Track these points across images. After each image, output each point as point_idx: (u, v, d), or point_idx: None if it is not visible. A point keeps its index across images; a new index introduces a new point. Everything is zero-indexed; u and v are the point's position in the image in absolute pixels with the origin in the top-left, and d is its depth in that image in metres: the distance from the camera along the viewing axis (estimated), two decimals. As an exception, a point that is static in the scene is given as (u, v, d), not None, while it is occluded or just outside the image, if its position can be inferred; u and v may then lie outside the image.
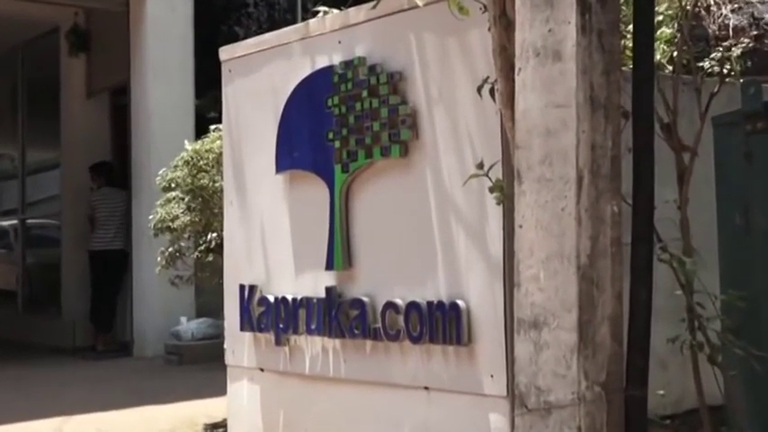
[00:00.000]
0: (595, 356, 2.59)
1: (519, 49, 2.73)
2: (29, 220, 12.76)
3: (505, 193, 3.07)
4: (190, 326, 8.75)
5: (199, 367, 7.81)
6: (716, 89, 3.30)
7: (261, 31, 7.85)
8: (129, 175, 9.68)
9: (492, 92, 3.17)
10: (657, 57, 3.51)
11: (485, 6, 3.12)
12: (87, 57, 10.73)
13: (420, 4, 3.48)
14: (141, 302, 9.30)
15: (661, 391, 3.17)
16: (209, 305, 8.11)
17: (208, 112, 8.24)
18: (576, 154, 2.58)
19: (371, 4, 3.89)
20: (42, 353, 10.09)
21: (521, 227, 2.71)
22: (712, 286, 3.31)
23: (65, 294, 11.12)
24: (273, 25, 8.06)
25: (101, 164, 10.38)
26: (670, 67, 3.58)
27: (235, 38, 4.71)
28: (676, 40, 3.52)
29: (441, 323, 3.64)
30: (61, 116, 11.25)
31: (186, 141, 5.86)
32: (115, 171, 10.36)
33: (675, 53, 3.40)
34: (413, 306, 3.74)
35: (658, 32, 3.52)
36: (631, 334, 2.70)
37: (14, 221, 13.07)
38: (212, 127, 5.51)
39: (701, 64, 3.53)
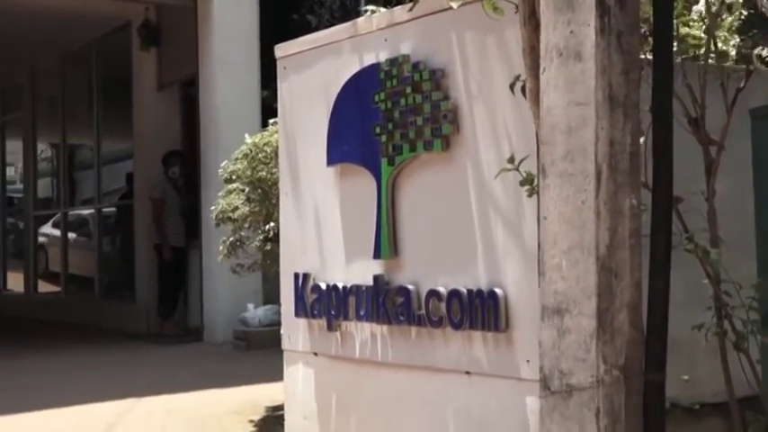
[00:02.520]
0: (614, 341, 2.71)
1: (543, 49, 2.85)
2: (104, 210, 13.09)
3: (536, 186, 3.19)
4: (257, 312, 8.96)
5: (265, 352, 7.96)
6: (742, 84, 3.35)
7: (328, 24, 8.00)
8: (197, 165, 9.91)
9: (524, 89, 3.29)
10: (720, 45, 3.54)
11: (517, 7, 3.24)
12: (158, 51, 10.95)
13: (454, 6, 3.59)
14: (210, 290, 9.53)
15: (685, 376, 3.24)
16: (276, 292, 8.27)
17: (274, 104, 8.38)
18: (594, 150, 2.69)
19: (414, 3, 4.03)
20: (117, 337, 10.43)
21: (545, 219, 2.83)
22: (751, 276, 3.39)
23: (138, 281, 11.43)
24: (339, 19, 8.20)
25: (173, 153, 10.68)
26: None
27: (301, 31, 4.81)
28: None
29: (480, 310, 3.74)
30: (133, 108, 11.53)
31: (247, 135, 6.03)
32: (186, 161, 10.64)
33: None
34: (454, 294, 3.85)
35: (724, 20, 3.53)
36: (650, 321, 2.80)
37: (92, 210, 13.48)
38: (271, 121, 5.67)
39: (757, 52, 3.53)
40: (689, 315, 3.26)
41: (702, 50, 3.41)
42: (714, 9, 3.36)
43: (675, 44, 3.39)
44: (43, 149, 15.69)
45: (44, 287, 14.83)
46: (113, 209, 13.02)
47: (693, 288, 3.30)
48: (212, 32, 9.60)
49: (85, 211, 13.88)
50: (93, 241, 13.27)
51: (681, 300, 3.33)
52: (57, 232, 14.37)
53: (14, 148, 16.34)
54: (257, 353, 8.29)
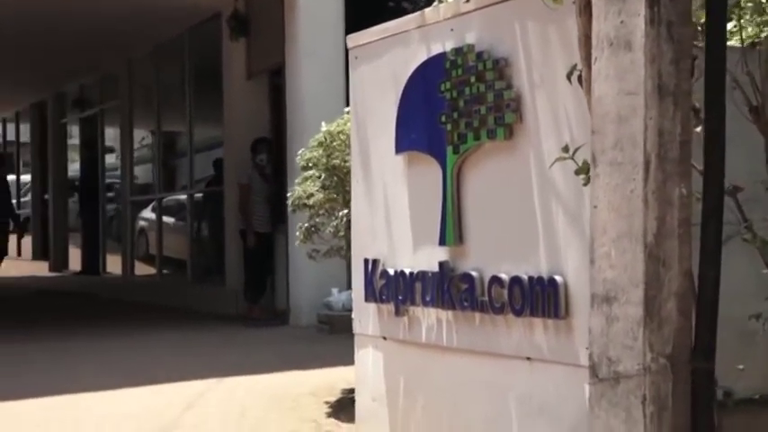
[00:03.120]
0: (661, 330, 2.71)
1: (595, 39, 2.86)
2: (196, 195, 13.37)
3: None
4: (341, 297, 9.05)
5: (347, 336, 7.96)
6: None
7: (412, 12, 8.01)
8: (284, 152, 10.04)
9: (580, 78, 3.29)
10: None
11: (575, -3, 3.24)
12: (247, 40, 11.07)
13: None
14: (296, 275, 9.66)
15: (741, 366, 3.22)
16: (358, 277, 8.40)
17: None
18: (643, 139, 2.70)
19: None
20: (207, 320, 10.66)
21: (595, 207, 2.85)
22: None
23: (228, 265, 11.66)
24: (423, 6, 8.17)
25: (261, 140, 10.85)
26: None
27: (385, 20, 4.84)
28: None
29: (540, 297, 3.76)
30: (224, 97, 11.71)
31: (323, 122, 6.12)
32: (274, 148, 10.79)
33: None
34: (515, 281, 3.88)
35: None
36: (699, 309, 2.80)
37: (185, 196, 13.80)
38: (346, 109, 5.75)
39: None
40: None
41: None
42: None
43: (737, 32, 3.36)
44: (141, 137, 16.02)
45: (140, 270, 15.20)
46: (204, 194, 13.23)
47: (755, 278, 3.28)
48: (298, 22, 9.71)
49: (179, 197, 14.17)
50: (186, 226, 13.57)
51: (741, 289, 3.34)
52: (153, 217, 14.73)
53: (113, 135, 16.72)
54: (340, 336, 8.33)
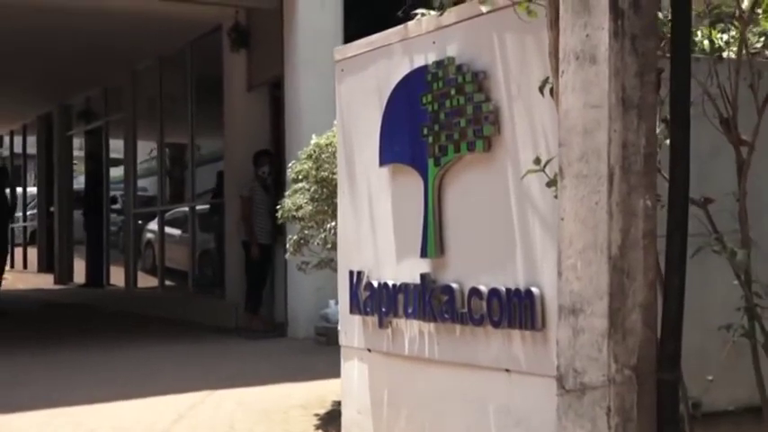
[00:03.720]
0: (625, 341, 2.73)
1: (562, 52, 2.90)
2: (198, 207, 13.39)
3: (562, 187, 3.21)
4: (337, 309, 9.03)
5: None
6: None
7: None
8: (283, 164, 10.06)
9: (552, 91, 3.31)
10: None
11: (548, 10, 3.26)
12: (247, 52, 11.08)
13: (484, 9, 3.64)
14: (294, 287, 9.65)
15: (710, 377, 3.22)
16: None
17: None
18: (607, 151, 2.73)
19: (462, 6, 4.09)
20: (207, 332, 10.67)
21: (562, 219, 2.88)
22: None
23: (228, 277, 11.67)
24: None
25: (263, 152, 10.88)
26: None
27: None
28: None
29: (518, 309, 3.78)
30: (224, 108, 11.75)
31: (314, 135, 6.15)
32: (275, 160, 10.81)
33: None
34: (494, 292, 3.89)
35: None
36: (664, 321, 2.81)
37: (186, 208, 13.83)
38: (335, 122, 5.77)
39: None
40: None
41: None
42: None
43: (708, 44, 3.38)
44: (145, 149, 16.06)
45: (143, 282, 15.24)
46: (206, 207, 13.25)
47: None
48: (297, 34, 9.75)
49: (181, 209, 14.19)
50: (188, 238, 13.58)
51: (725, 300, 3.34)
52: (155, 229, 14.76)
53: (116, 147, 16.75)
54: (336, 348, 8.35)
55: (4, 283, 14.48)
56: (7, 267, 14.51)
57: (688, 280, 2.88)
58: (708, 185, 3.21)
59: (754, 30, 3.54)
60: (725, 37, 3.44)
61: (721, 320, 3.24)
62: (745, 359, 3.21)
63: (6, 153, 24.24)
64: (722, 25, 3.37)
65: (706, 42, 3.44)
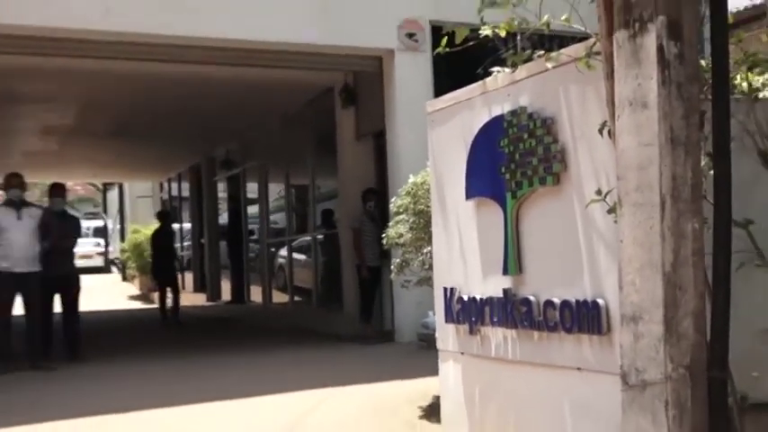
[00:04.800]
0: (679, 344, 2.66)
1: (617, 100, 2.85)
2: (318, 237, 13.54)
3: (621, 213, 3.15)
4: (435, 318, 9.02)
5: None
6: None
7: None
8: (387, 199, 10.10)
9: (610, 132, 3.26)
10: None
11: (605, 64, 3.22)
12: (355, 108, 11.19)
13: (549, 66, 3.61)
14: (399, 301, 9.65)
15: (755, 373, 3.10)
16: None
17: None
18: (659, 183, 2.67)
19: (531, 63, 4.06)
20: (328, 339, 10.70)
21: (622, 241, 2.82)
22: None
23: (345, 293, 11.76)
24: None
25: (370, 190, 10.96)
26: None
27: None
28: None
29: (586, 317, 3.71)
30: (338, 155, 11.87)
31: (411, 176, 6.17)
32: (380, 196, 10.88)
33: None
34: (565, 304, 3.83)
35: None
36: (713, 326, 2.72)
37: (309, 238, 14.03)
38: (428, 163, 5.77)
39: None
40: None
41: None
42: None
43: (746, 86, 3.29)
44: (275, 190, 16.34)
45: (276, 298, 15.46)
46: (324, 236, 13.36)
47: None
48: (395, 93, 9.80)
49: (305, 239, 14.37)
50: (311, 262, 13.75)
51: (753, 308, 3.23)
52: (285, 255, 14.99)
53: (252, 188, 17.09)
54: (435, 352, 8.33)
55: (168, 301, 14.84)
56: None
57: (734, 291, 2.79)
58: (749, 209, 3.11)
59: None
60: (760, 79, 3.36)
61: (764, 324, 3.14)
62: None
63: (166, 196, 24.93)
64: (758, 69, 3.29)
65: (744, 84, 3.36)
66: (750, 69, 3.30)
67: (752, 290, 3.13)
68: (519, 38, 4.12)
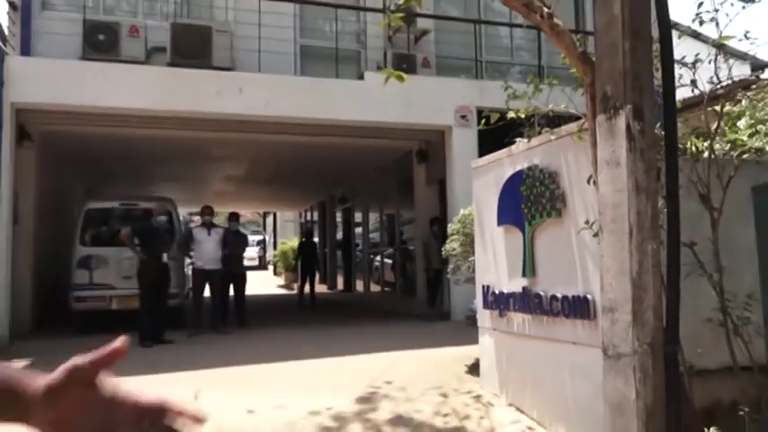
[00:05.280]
0: (643, 328, 2.57)
1: (599, 160, 2.79)
2: (401, 248, 13.43)
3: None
4: (476, 305, 8.89)
5: None
6: (733, 173, 3.06)
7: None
8: (446, 225, 10.04)
9: (595, 182, 3.18)
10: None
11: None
12: (426, 164, 11.14)
13: (553, 138, 3.55)
14: (453, 292, 9.38)
15: (699, 350, 2.96)
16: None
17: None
18: (628, 218, 2.59)
19: (542, 136, 4.00)
20: (406, 317, 10.60)
21: (602, 256, 2.75)
22: (743, 289, 3.07)
23: (418, 285, 11.66)
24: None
25: (435, 218, 10.91)
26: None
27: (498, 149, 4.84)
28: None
29: (579, 307, 3.63)
30: (415, 194, 11.80)
31: (461, 209, 6.12)
32: (442, 222, 10.80)
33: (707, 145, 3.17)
34: (565, 298, 3.75)
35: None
36: (667, 316, 2.61)
37: (392, 250, 14.02)
38: (472, 202, 5.72)
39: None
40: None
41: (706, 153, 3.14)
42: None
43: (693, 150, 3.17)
44: (373, 217, 16.41)
45: (373, 289, 15.45)
46: (404, 248, 13.33)
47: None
48: (452, 153, 9.75)
49: (391, 250, 14.37)
50: (397, 264, 13.73)
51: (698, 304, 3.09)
52: (379, 260, 15.01)
53: (358, 216, 17.19)
54: (476, 328, 8.18)
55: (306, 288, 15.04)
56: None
57: (685, 292, 2.68)
58: (694, 234, 2.99)
59: (724, 139, 3.32)
60: (701, 146, 3.24)
61: (706, 315, 3.00)
62: (721, 338, 2.96)
63: (303, 220, 25.29)
64: (701, 138, 3.17)
65: (693, 148, 3.24)
66: (697, 138, 3.18)
67: (697, 291, 3.00)
68: (534, 118, 4.05)
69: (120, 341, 0.70)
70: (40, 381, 0.68)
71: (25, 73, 8.01)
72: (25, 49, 8.90)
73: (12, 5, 8.93)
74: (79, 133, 9.56)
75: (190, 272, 9.95)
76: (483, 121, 3.86)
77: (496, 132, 4.52)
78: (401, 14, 3.18)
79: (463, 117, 9.70)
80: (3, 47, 8.27)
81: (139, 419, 0.67)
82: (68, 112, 8.46)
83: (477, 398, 4.74)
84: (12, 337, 7.83)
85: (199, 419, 0.68)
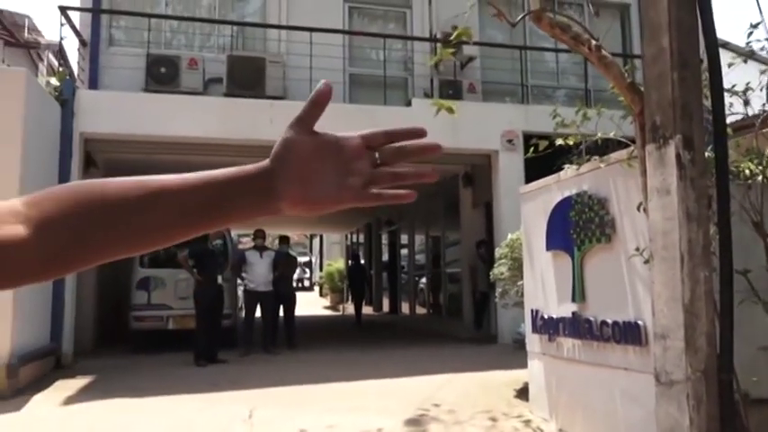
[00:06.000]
0: (696, 355, 2.57)
1: (649, 188, 2.82)
2: (447, 270, 13.49)
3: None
4: (525, 329, 8.80)
5: None
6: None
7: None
8: (493, 247, 10.03)
9: (645, 210, 3.20)
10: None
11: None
12: (472, 187, 11.20)
13: (602, 165, 3.59)
14: (501, 316, 9.31)
15: (755, 378, 2.92)
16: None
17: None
18: (679, 245, 2.61)
19: (591, 162, 4.03)
20: (452, 340, 10.56)
21: (653, 282, 2.76)
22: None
23: (464, 309, 11.63)
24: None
25: (481, 241, 10.91)
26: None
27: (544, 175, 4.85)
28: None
29: (631, 333, 3.62)
30: (461, 217, 11.84)
31: (509, 234, 6.14)
32: (489, 245, 10.77)
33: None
34: (616, 323, 3.74)
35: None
36: (721, 343, 2.61)
37: (439, 269, 14.00)
38: (521, 226, 5.74)
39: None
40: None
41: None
42: None
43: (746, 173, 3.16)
44: (419, 239, 16.44)
45: (418, 311, 15.43)
46: (450, 271, 13.32)
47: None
48: (499, 177, 9.75)
49: (438, 271, 14.36)
50: (443, 286, 13.72)
51: (753, 331, 3.05)
52: (424, 281, 15.02)
53: (404, 239, 17.28)
54: (525, 351, 8.08)
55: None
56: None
57: (739, 319, 2.66)
58: (748, 261, 2.97)
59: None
60: (755, 169, 3.23)
61: (761, 343, 2.96)
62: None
63: (349, 243, 25.51)
64: (756, 160, 3.17)
65: (747, 172, 3.23)
66: (750, 161, 3.18)
67: (751, 319, 2.97)
68: (582, 145, 4.09)
69: (322, 85, 0.66)
70: (257, 164, 0.64)
71: (93, 105, 8.50)
72: (93, 83, 9.45)
73: (82, 43, 9.51)
74: (141, 161, 10.02)
75: (241, 293, 10.20)
76: (531, 148, 3.92)
77: (543, 157, 4.58)
78: (452, 50, 3.30)
79: (509, 141, 9.72)
80: (74, 81, 8.82)
81: (369, 151, 0.65)
82: (131, 140, 8.91)
83: (527, 422, 4.72)
84: (75, 354, 8.20)
85: (419, 133, 0.66)
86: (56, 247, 0.56)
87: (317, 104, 0.66)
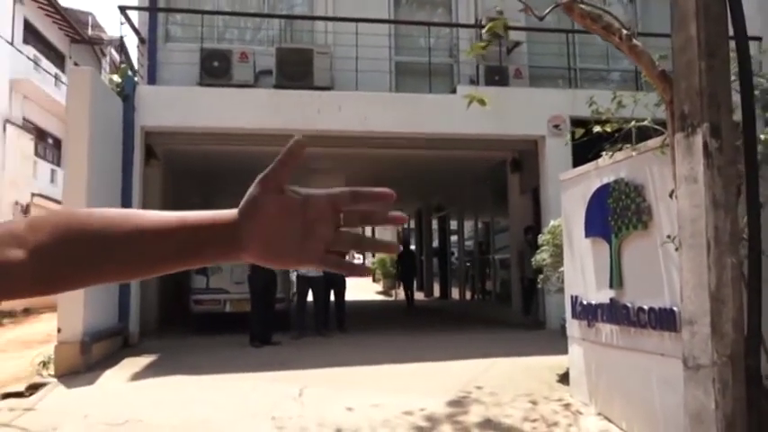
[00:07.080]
0: (722, 340, 2.61)
1: (678, 177, 2.85)
2: (497, 257, 13.50)
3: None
4: (572, 314, 8.76)
5: None
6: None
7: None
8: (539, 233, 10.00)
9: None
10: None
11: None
12: (520, 173, 11.11)
13: (634, 154, 3.60)
14: (548, 302, 9.35)
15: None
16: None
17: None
18: (706, 232, 2.65)
19: (626, 150, 4.04)
20: (501, 326, 10.58)
21: (681, 269, 2.81)
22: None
23: (513, 294, 11.63)
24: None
25: (529, 226, 10.85)
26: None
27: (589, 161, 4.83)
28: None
29: (666, 319, 3.65)
30: (509, 203, 11.78)
31: (551, 220, 6.15)
32: (536, 230, 10.71)
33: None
34: (652, 309, 3.78)
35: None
36: (748, 328, 2.64)
37: (490, 256, 14.00)
38: (562, 213, 5.75)
39: None
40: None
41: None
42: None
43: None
44: (468, 225, 16.43)
45: (468, 296, 15.47)
46: (500, 256, 13.29)
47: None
48: (546, 163, 9.65)
49: (487, 258, 14.36)
50: (492, 272, 13.72)
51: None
52: (475, 267, 15.04)
53: (453, 225, 17.30)
54: (572, 337, 8.12)
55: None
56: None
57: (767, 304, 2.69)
58: (782, 248, 2.96)
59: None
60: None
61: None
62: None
63: (401, 229, 25.65)
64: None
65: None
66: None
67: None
68: (621, 131, 4.10)
69: (293, 143, 0.67)
70: (227, 212, 0.67)
71: (152, 99, 8.94)
72: (152, 78, 9.92)
73: (141, 40, 9.98)
74: (197, 151, 10.47)
75: (294, 278, 10.54)
76: (568, 136, 3.96)
77: (590, 142, 4.58)
78: (483, 44, 3.38)
79: (556, 126, 9.62)
80: (135, 77, 9.30)
81: (334, 213, 0.67)
82: (188, 132, 9.33)
83: (567, 406, 4.80)
84: (141, 334, 8.73)
85: (387, 196, 0.69)
86: (47, 271, 0.63)
87: (285, 164, 0.66)
